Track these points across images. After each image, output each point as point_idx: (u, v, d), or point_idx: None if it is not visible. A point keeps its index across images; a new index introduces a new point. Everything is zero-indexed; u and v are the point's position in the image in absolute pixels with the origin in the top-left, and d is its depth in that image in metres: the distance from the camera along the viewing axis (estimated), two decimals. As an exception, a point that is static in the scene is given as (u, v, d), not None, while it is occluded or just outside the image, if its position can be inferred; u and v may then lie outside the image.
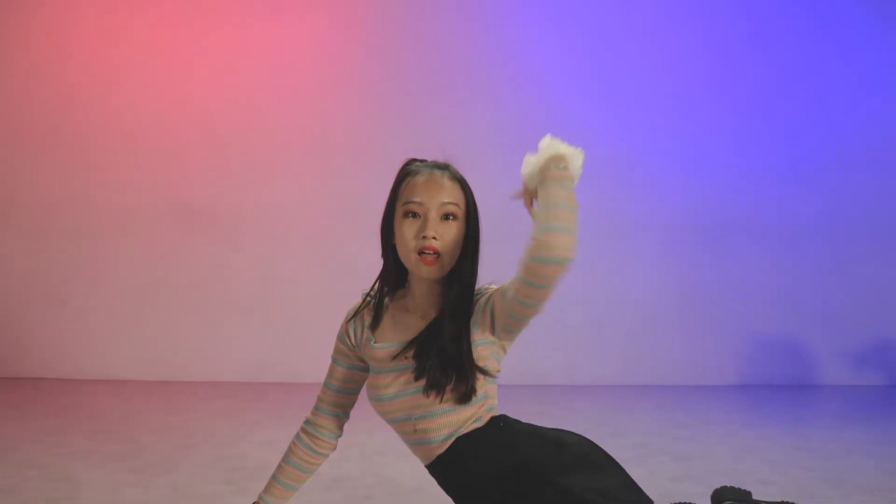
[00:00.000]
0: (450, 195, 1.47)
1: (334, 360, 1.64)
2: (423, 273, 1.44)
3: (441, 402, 1.44)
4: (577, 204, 1.39)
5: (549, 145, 1.47)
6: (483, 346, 1.46)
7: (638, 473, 1.60)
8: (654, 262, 4.22)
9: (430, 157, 1.63)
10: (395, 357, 1.49)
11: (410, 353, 1.48)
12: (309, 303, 4.05)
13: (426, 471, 1.54)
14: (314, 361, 3.64)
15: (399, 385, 1.48)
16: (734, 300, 4.23)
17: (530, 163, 1.47)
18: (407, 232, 1.44)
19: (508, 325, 1.44)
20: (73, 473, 2.21)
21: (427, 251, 1.42)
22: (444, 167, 1.52)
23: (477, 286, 1.51)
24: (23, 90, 4.11)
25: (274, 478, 1.67)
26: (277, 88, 4.17)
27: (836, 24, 4.37)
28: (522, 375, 3.87)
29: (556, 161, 1.44)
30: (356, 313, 1.59)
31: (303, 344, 3.97)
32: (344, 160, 4.15)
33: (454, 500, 1.55)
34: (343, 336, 1.61)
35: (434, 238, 1.42)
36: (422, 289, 1.50)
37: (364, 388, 1.60)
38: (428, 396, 1.45)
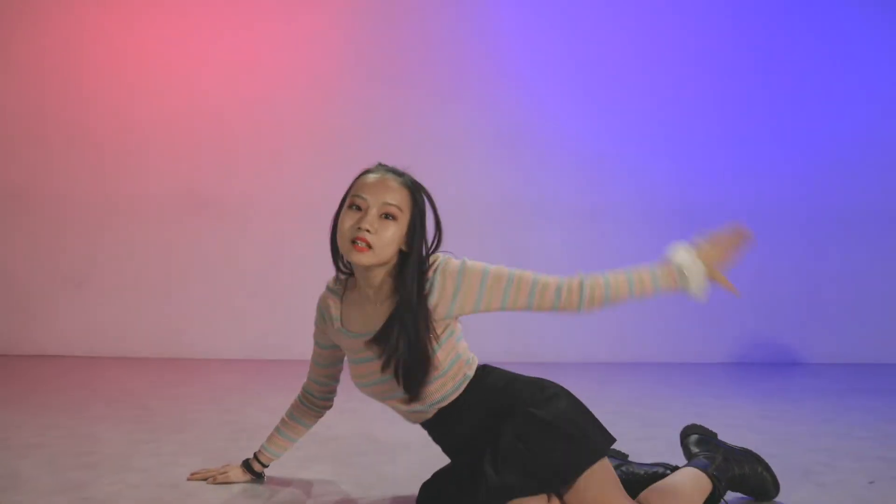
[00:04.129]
0: (394, 197, 1.59)
1: (316, 343, 1.83)
2: (353, 258, 1.58)
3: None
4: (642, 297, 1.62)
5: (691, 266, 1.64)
6: (442, 326, 1.63)
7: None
8: (633, 244, 4.42)
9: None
10: (360, 349, 1.67)
11: (375, 349, 1.63)
12: (310, 285, 4.26)
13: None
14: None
15: (375, 373, 1.66)
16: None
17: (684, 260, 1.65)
18: (346, 221, 1.59)
19: (486, 311, 1.62)
20: (94, 433, 2.45)
21: (360, 241, 1.56)
22: (399, 173, 1.65)
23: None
24: (42, 91, 4.34)
25: (277, 430, 1.93)
26: (281, 87, 4.39)
27: (821, 23, 4.57)
28: (515, 353, 4.12)
29: (681, 277, 1.64)
30: (323, 303, 1.77)
31: (304, 324, 4.19)
32: (342, 153, 4.34)
33: (442, 449, 1.78)
34: (317, 321, 1.80)
35: (368, 231, 1.56)
36: (368, 279, 1.64)
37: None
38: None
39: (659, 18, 4.50)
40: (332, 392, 1.92)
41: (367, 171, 1.67)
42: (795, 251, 4.51)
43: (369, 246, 1.56)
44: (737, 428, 2.65)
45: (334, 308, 1.74)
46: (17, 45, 4.33)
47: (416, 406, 1.67)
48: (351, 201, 1.62)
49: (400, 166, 1.70)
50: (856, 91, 4.57)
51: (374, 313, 1.67)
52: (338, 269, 1.72)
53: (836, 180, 4.54)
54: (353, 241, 1.57)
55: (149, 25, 4.36)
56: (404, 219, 1.61)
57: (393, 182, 1.62)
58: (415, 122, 4.38)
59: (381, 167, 1.68)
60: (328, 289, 1.78)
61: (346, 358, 1.80)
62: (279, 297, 4.34)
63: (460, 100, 4.41)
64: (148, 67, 4.36)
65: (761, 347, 4.49)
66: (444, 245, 1.68)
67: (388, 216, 1.59)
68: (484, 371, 1.71)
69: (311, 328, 1.84)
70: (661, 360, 4.38)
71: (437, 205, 1.69)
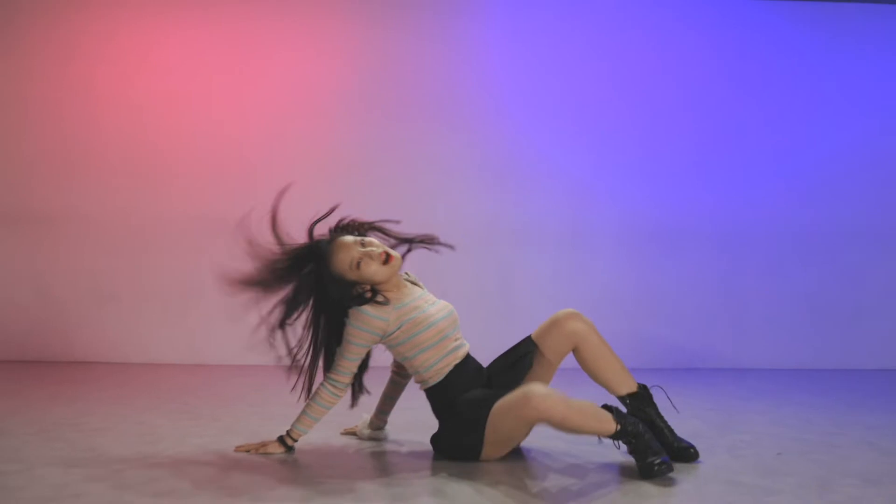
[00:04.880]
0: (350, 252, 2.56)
1: (359, 346, 2.38)
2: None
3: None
4: None
5: None
6: None
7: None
8: (611, 264, 4.96)
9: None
10: (426, 300, 2.42)
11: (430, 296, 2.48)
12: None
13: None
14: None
15: (439, 311, 2.39)
16: (678, 295, 4.98)
17: None
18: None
19: None
20: (146, 421, 2.94)
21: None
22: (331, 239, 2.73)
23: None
24: (84, 120, 4.85)
25: (304, 412, 2.43)
26: (291, 119, 4.91)
27: (795, 52, 5.08)
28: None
29: None
30: (375, 312, 2.37)
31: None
32: (345, 176, 4.88)
33: (452, 399, 2.34)
34: (370, 330, 2.36)
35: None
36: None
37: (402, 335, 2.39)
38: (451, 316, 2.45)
39: (638, 51, 5.03)
40: (352, 380, 2.44)
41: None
42: (761, 269, 5.02)
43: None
44: (685, 419, 3.15)
45: (386, 305, 2.37)
46: (42, 72, 4.84)
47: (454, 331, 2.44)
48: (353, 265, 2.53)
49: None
50: (834, 116, 5.06)
51: (407, 286, 2.49)
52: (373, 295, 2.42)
53: (814, 204, 5.04)
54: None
55: (175, 62, 4.89)
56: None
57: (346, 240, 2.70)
58: (410, 150, 4.92)
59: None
60: (373, 308, 2.39)
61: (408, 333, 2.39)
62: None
63: (452, 131, 4.94)
64: (175, 102, 4.90)
65: (725, 355, 5.00)
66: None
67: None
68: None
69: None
70: (636, 366, 4.87)
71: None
